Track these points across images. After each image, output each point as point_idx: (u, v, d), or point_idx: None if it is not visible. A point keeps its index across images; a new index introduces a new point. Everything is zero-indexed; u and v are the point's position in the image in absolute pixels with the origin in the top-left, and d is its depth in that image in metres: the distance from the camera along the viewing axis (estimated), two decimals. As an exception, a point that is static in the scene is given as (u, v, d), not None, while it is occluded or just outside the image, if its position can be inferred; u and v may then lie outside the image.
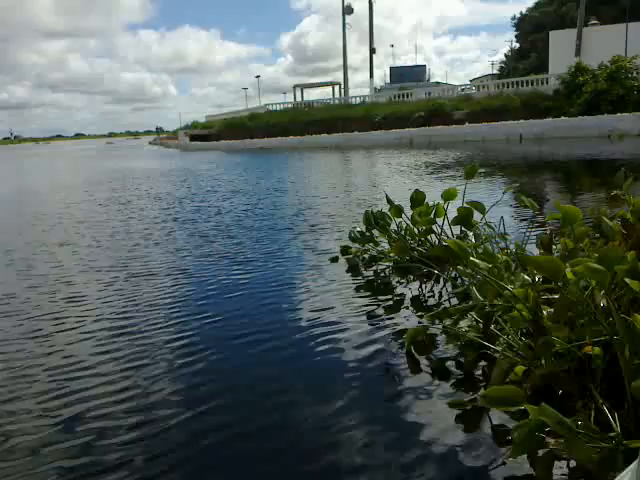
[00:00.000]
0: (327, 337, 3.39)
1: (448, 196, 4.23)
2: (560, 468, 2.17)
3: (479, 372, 2.79)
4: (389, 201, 4.82)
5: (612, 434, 2.12)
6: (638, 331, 2.26)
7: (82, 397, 2.78)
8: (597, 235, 3.40)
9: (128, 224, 8.39)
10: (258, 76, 71.13)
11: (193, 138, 44.33)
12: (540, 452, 2.19)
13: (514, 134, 27.26)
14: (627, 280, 2.24)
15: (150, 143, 71.61)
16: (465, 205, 3.98)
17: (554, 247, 3.08)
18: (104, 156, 45.38)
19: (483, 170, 13.79)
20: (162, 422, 2.51)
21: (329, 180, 14.66)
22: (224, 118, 46.54)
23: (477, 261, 2.62)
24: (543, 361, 2.46)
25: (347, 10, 44.57)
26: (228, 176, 17.13)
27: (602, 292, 2.24)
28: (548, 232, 3.10)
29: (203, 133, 44.69)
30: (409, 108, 34.26)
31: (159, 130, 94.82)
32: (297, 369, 3.02)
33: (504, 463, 2.19)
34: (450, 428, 2.40)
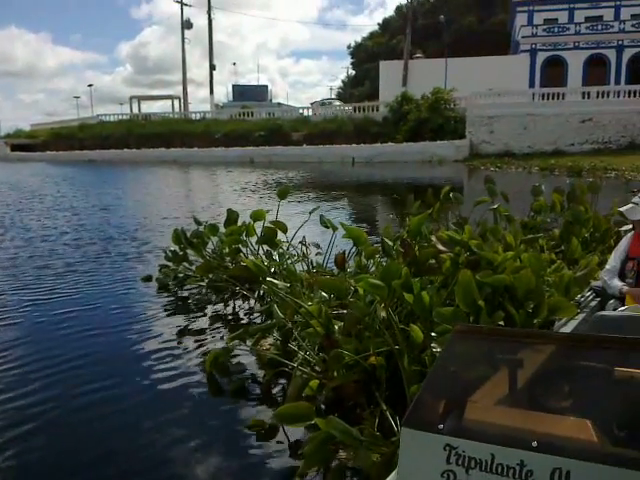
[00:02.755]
0: (129, 363, 3.26)
1: (257, 216, 4.28)
2: (351, 477, 2.25)
3: (279, 389, 2.84)
4: (197, 222, 4.76)
5: (394, 439, 2.26)
6: (415, 340, 2.46)
7: None
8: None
9: None
10: (91, 85, 67.08)
11: (15, 148, 40.32)
12: (332, 464, 2.26)
13: (347, 157, 28.84)
14: (404, 294, 2.44)
15: (-37, 152, 63.66)
16: (269, 225, 4.06)
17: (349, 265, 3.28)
18: None
19: (336, 192, 14.42)
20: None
21: (167, 198, 14.12)
22: (52, 127, 43.01)
23: (274, 280, 2.67)
24: (335, 374, 2.57)
25: (186, 24, 43.74)
26: (48, 191, 15.65)
27: (382, 305, 2.40)
28: (341, 251, 3.28)
29: (26, 143, 40.87)
30: (250, 127, 34.51)
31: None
32: (99, 398, 2.88)
33: (299, 478, 2.22)
34: (247, 449, 2.40)
